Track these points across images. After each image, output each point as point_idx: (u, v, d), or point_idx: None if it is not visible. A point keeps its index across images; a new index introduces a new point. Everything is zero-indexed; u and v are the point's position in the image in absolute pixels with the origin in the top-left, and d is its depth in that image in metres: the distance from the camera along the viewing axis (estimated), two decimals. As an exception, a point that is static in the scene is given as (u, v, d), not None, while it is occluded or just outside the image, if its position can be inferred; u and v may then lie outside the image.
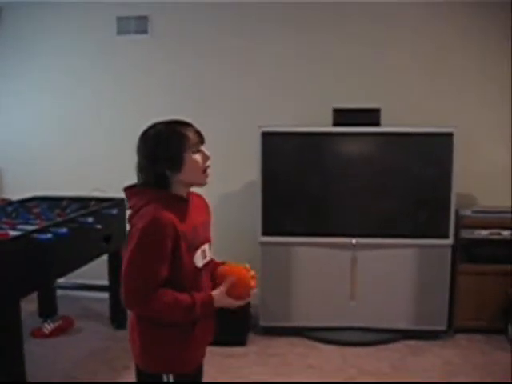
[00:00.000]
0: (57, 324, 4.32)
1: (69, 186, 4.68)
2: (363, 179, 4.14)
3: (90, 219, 3.56)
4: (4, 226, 3.41)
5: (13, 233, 3.10)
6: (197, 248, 1.96)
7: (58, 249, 3.24)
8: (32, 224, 3.44)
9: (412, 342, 4.12)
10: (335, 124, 4.19)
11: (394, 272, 4.15)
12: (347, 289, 4.19)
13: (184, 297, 1.87)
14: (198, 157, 1.93)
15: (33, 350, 3.81)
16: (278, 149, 4.16)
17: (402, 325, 4.19)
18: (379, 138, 4.12)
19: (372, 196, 4.14)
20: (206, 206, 2.15)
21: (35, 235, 3.06)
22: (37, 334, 4.25)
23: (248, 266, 2.10)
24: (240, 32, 4.68)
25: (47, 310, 4.51)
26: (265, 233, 4.18)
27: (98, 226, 3.63)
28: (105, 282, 4.39)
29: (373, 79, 4.52)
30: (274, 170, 4.16)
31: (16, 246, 2.96)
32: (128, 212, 1.98)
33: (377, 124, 4.14)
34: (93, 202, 4.14)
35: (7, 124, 5.18)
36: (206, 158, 1.96)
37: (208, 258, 2.06)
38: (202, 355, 2.10)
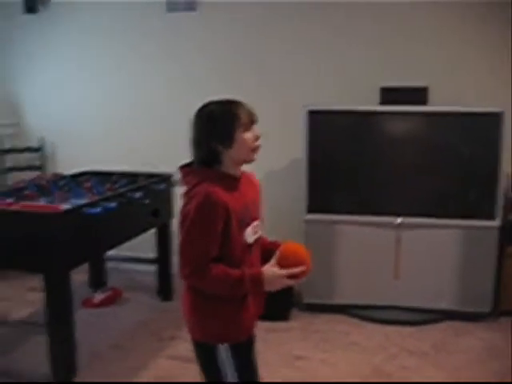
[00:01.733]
0: (106, 294, 4.48)
1: (119, 161, 4.80)
2: (410, 158, 4.11)
3: (138, 194, 3.66)
4: (56, 199, 3.55)
5: (64, 206, 3.22)
6: (248, 225, 2.05)
7: (107, 222, 3.35)
8: (83, 198, 3.56)
9: (455, 323, 4.10)
10: (382, 103, 4.16)
11: (439, 252, 4.12)
12: (391, 268, 4.19)
13: (234, 271, 1.95)
14: (248, 135, 2.00)
15: (83, 318, 3.97)
16: (324, 127, 4.15)
17: (446, 305, 4.17)
18: (426, 117, 4.07)
19: (418, 176, 4.11)
20: (256, 185, 2.24)
21: (85, 209, 3.18)
22: (87, 303, 4.42)
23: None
24: (287, 12, 4.64)
25: (97, 280, 4.68)
26: (310, 210, 4.20)
27: (146, 201, 3.73)
28: (153, 255, 4.52)
29: (420, 57, 4.44)
30: (319, 148, 4.15)
31: (67, 219, 3.09)
32: (182, 189, 2.06)
33: (424, 103, 4.09)
34: (141, 178, 4.24)
35: (59, 100, 5.33)
36: (256, 137, 2.04)
37: (259, 234, 2.14)
38: (254, 326, 2.17)
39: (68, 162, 5.13)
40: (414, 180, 4.12)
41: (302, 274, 2.03)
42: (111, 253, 4.20)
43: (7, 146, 5.21)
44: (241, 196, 2.04)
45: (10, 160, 5.23)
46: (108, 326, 4.11)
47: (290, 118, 4.51)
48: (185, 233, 1.95)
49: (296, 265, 2.01)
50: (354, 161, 4.21)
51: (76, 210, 3.17)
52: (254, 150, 2.04)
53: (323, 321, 4.19)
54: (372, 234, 4.17)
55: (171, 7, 4.86)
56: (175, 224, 4.17)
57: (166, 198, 4.26)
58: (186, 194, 2.01)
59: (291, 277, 2.00)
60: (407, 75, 4.39)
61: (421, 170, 4.10)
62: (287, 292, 4.13)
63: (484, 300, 4.12)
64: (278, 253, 2.04)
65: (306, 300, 4.32)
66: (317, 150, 4.15)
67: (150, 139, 5.08)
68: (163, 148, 4.90)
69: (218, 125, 1.98)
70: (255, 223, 2.10)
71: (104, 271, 4.73)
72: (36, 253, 3.04)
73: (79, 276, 4.36)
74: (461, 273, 4.12)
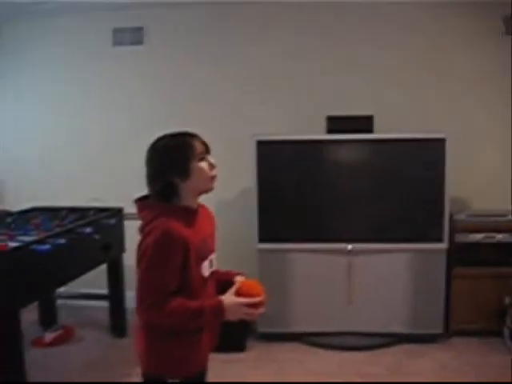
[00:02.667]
0: (57, 333, 4.37)
1: (68, 196, 4.76)
2: (357, 185, 4.20)
3: (88, 229, 3.62)
4: (3, 237, 3.45)
5: (12, 244, 3.15)
6: (205, 258, 2.06)
7: (57, 259, 3.29)
8: (31, 235, 3.48)
9: (409, 346, 4.16)
10: (329, 131, 4.26)
11: (390, 276, 4.20)
12: (344, 294, 4.24)
13: (193, 303, 1.95)
14: (204, 165, 2.03)
15: (33, 358, 3.86)
16: (272, 157, 4.21)
17: (399, 329, 4.24)
18: (373, 145, 4.18)
19: (366, 202, 4.20)
20: (212, 217, 2.26)
21: (34, 246, 3.11)
22: (38, 343, 4.28)
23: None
24: (233, 39, 4.75)
25: (48, 319, 4.56)
26: (262, 240, 4.23)
27: (96, 236, 3.68)
28: (105, 290, 4.43)
29: (365, 86, 4.59)
30: (269, 177, 4.21)
31: (15, 258, 3.01)
32: (136, 223, 2.07)
33: (370, 131, 4.21)
34: (91, 212, 4.19)
35: (6, 135, 5.24)
36: (211, 166, 2.06)
37: (214, 268, 2.16)
38: (207, 359, 2.16)
39: (15, 197, 5.03)
40: (363, 206, 4.20)
41: (260, 304, 2.04)
42: (62, 289, 4.12)
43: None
44: (199, 229, 2.05)
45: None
46: (60, 366, 3.99)
47: (239, 147, 4.55)
48: (143, 268, 1.93)
49: (253, 295, 2.02)
50: (303, 189, 4.26)
51: (24, 247, 3.10)
52: (212, 178, 2.06)
53: (279, 350, 4.19)
54: (323, 261, 4.22)
55: (117, 41, 4.88)
56: (127, 258, 4.22)
57: (117, 232, 4.21)
58: (143, 229, 2.00)
59: (250, 306, 2.01)
60: (353, 104, 4.52)
61: (369, 196, 4.19)
62: (242, 322, 4.10)
63: (436, 321, 4.20)
64: (236, 284, 2.07)
65: (261, 329, 4.31)
66: (266, 179, 4.19)
67: (99, 172, 5.04)
68: (114, 181, 4.88)
69: (174, 157, 1.99)
70: (212, 256, 2.13)
71: (54, 309, 4.61)
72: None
73: (29, 314, 4.24)
74: (412, 295, 4.19)
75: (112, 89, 5.01)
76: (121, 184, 4.60)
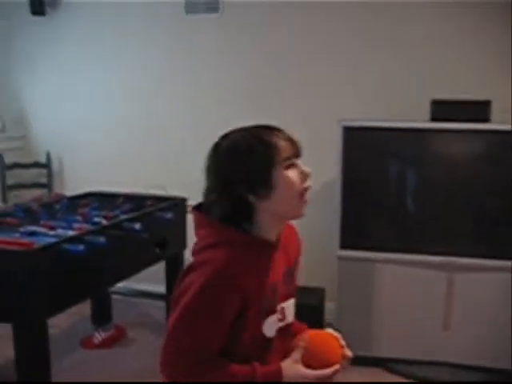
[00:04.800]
0: (108, 333, 3.94)
1: (130, 182, 4.28)
2: (466, 186, 3.44)
3: (138, 226, 3.06)
4: (41, 229, 3.01)
5: (39, 242, 2.66)
6: (272, 312, 1.44)
7: (95, 260, 2.77)
8: (72, 228, 3.01)
9: (518, 387, 3.40)
10: (434, 119, 3.48)
11: (499, 300, 3.41)
12: (440, 316, 3.51)
13: (242, 368, 1.36)
14: (292, 174, 1.39)
15: (79, 361, 3.60)
16: (362, 146, 3.53)
17: (506, 364, 3.45)
18: (489, 137, 3.38)
19: (476, 207, 3.44)
20: (296, 243, 1.62)
21: (66, 245, 2.60)
22: (86, 344, 3.89)
23: (336, 333, 1.55)
24: (323, 15, 4.03)
25: (101, 316, 4.10)
26: (344, 246, 3.57)
27: (147, 233, 3.15)
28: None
29: (482, 65, 3.77)
30: (357, 171, 3.54)
31: (42, 258, 2.52)
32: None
33: (486, 120, 3.40)
34: (149, 202, 3.68)
35: (69, 113, 4.80)
36: (304, 175, 1.42)
37: (288, 320, 1.52)
38: None
39: (76, 180, 4.64)
40: (472, 213, 3.46)
41: (329, 359, 1.44)
42: (119, 285, 3.68)
43: (12, 160, 4.71)
44: (271, 271, 1.42)
45: (15, 176, 4.74)
46: (107, 372, 3.54)
47: (323, 134, 3.88)
48: (181, 311, 1.35)
49: (326, 361, 1.42)
50: (397, 187, 3.61)
51: (53, 246, 2.60)
52: (302, 195, 1.42)
53: (357, 376, 3.52)
54: (418, 275, 3.50)
55: (190, 9, 4.29)
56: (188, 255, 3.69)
57: (177, 226, 3.67)
58: (195, 255, 1.42)
59: (318, 367, 1.41)
60: (464, 86, 3.72)
61: (480, 200, 3.42)
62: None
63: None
64: (303, 343, 1.45)
65: (338, 350, 3.66)
66: (353, 174, 3.52)
67: (164, 158, 4.51)
68: (178, 170, 4.34)
69: (247, 163, 1.38)
70: (285, 304, 1.49)
71: (109, 306, 4.15)
72: (2, 298, 2.49)
73: (82, 308, 3.81)
74: (526, 326, 3.41)
75: (183, 67, 4.43)
76: (187, 173, 4.10)
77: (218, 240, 1.38)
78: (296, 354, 1.43)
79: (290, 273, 1.53)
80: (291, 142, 1.43)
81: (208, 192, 1.44)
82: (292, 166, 1.40)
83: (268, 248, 1.43)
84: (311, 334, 1.52)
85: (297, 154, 1.43)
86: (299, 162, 1.43)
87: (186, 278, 1.38)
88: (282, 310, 1.47)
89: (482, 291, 3.44)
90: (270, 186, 1.37)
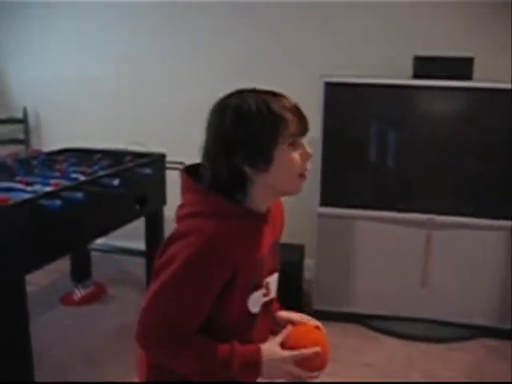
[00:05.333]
0: (88, 290, 3.93)
1: (108, 137, 4.20)
2: (446, 144, 3.42)
3: (116, 181, 3.01)
4: (18, 184, 2.95)
5: (16, 197, 2.61)
6: (258, 287, 1.39)
7: (72, 216, 2.72)
8: (48, 184, 2.96)
9: (493, 342, 3.45)
10: (416, 76, 3.44)
11: (478, 258, 3.46)
12: (418, 273, 3.55)
13: (220, 347, 1.31)
14: (295, 153, 1.32)
15: (58, 319, 3.58)
16: (343, 103, 3.48)
17: (482, 320, 3.52)
18: (471, 95, 3.35)
19: (456, 165, 3.42)
20: (281, 214, 1.53)
21: (42, 201, 2.55)
22: (66, 300, 3.88)
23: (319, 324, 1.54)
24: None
25: (80, 272, 4.07)
26: (324, 203, 3.56)
27: (126, 189, 3.11)
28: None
29: (463, 20, 3.71)
30: (337, 128, 3.50)
31: (16, 214, 2.47)
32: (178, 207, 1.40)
33: (468, 77, 3.36)
34: (127, 158, 3.62)
35: (47, 66, 4.69)
36: (306, 155, 1.33)
37: (272, 295, 1.47)
38: None
39: (53, 136, 4.57)
40: (452, 170, 3.44)
41: (317, 360, 1.40)
42: (99, 241, 3.65)
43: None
44: (260, 244, 1.36)
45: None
46: (85, 331, 3.54)
47: (305, 91, 3.81)
48: (162, 281, 1.28)
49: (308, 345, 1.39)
50: (378, 144, 3.56)
51: (29, 202, 2.55)
52: (302, 175, 1.33)
53: (334, 332, 3.54)
54: (397, 232, 3.52)
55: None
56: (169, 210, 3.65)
57: (156, 182, 3.63)
58: (180, 221, 1.34)
59: (300, 363, 1.37)
60: (447, 43, 3.66)
61: (460, 158, 3.41)
62: (294, 295, 3.55)
63: (529, 316, 3.46)
64: (284, 331, 1.43)
65: (316, 306, 3.67)
66: (334, 131, 3.48)
67: (144, 114, 4.42)
68: (159, 124, 4.26)
69: (253, 129, 1.28)
70: (270, 279, 1.44)
71: (88, 262, 4.13)
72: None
73: (62, 266, 3.83)
74: (503, 282, 3.45)
75: (170, 23, 4.30)
76: (167, 128, 4.02)
77: (208, 209, 1.30)
78: (276, 338, 1.40)
79: (276, 245, 1.48)
80: (301, 118, 1.34)
81: (206, 156, 1.34)
82: (296, 143, 1.33)
83: (260, 221, 1.37)
84: (296, 327, 1.49)
85: (304, 131, 1.35)
86: (304, 141, 1.35)
87: (171, 246, 1.30)
88: (267, 285, 1.42)
89: (459, 249, 3.47)
90: (270, 161, 1.29)
